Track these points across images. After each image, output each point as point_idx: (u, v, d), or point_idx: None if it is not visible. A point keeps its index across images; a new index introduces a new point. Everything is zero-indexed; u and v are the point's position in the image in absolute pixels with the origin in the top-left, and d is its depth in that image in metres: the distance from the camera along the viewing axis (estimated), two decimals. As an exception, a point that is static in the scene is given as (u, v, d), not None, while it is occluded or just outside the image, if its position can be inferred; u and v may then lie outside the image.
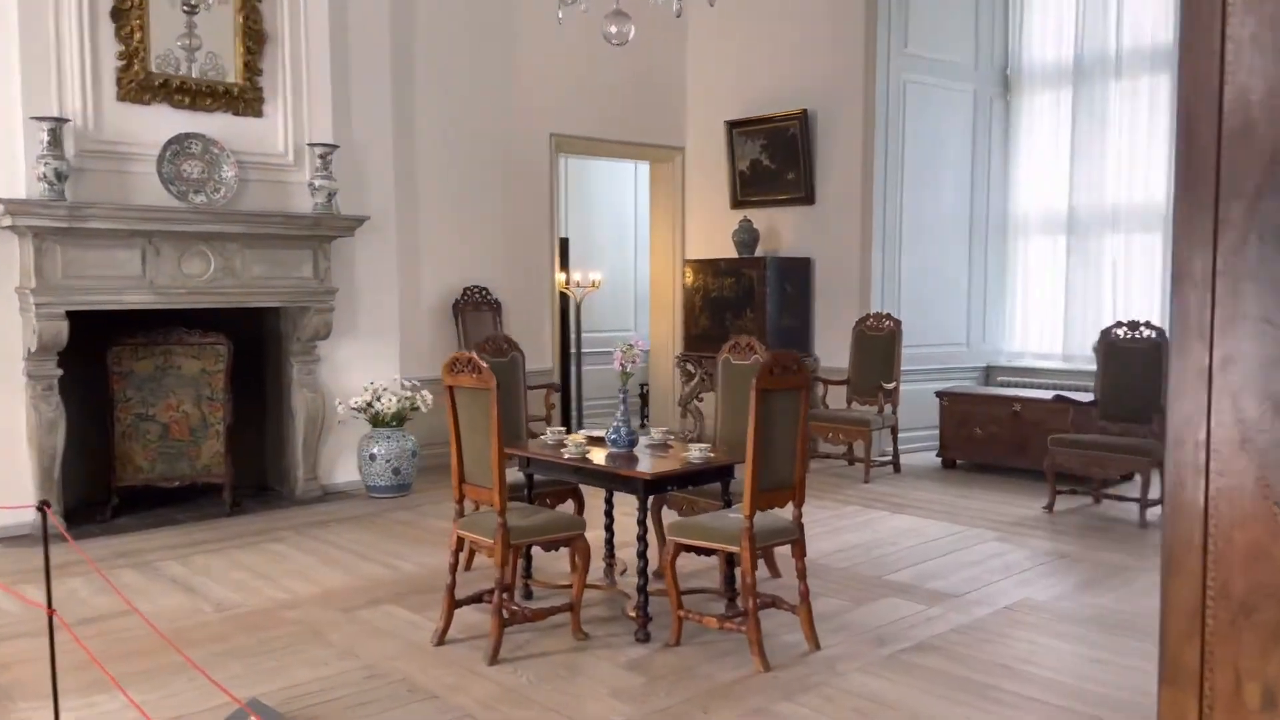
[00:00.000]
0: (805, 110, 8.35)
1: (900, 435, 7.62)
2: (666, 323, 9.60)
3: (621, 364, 4.37)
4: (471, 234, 8.16)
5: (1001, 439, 7.35)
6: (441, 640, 4.05)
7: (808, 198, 8.44)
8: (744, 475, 3.80)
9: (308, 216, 6.47)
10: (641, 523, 4.08)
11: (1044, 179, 8.61)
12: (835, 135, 8.25)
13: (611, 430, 4.40)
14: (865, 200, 8.05)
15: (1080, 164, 8.36)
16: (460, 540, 4.14)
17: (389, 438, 6.80)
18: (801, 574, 3.97)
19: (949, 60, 8.42)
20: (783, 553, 4.54)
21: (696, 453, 4.17)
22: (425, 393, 6.94)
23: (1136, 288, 8.11)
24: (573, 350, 9.64)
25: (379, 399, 6.78)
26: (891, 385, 7.46)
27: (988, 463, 7.47)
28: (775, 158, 8.64)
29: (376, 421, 6.82)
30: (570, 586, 4.68)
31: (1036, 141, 8.67)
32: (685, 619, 4.01)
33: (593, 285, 9.36)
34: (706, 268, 8.64)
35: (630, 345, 4.41)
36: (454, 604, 4.10)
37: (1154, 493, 5.90)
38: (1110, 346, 6.42)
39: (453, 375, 3.97)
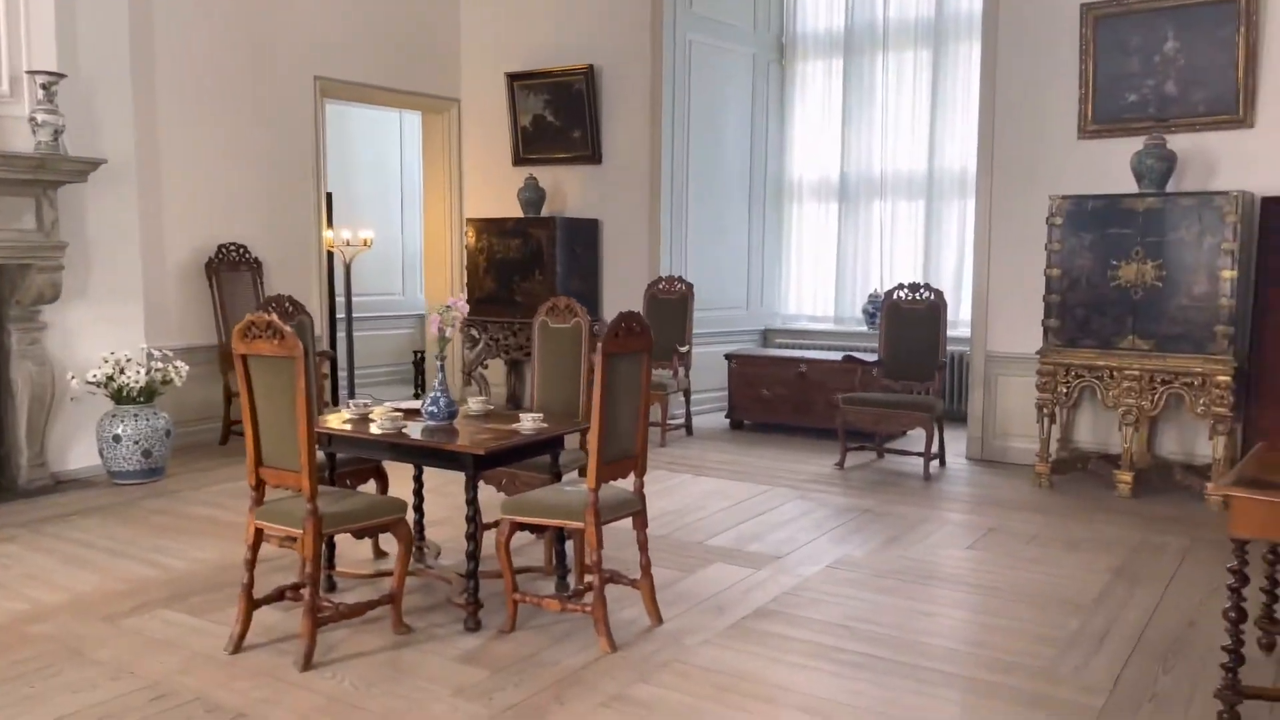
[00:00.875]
0: (591, 65, 8.09)
1: (691, 397, 7.62)
2: (444, 285, 9.09)
3: (440, 328, 3.95)
4: (226, 185, 7.29)
5: (788, 400, 7.52)
6: (238, 647, 3.51)
7: (594, 157, 8.21)
8: (588, 445, 3.53)
9: (29, 157, 5.47)
10: (471, 502, 3.71)
11: (818, 146, 8.87)
12: (622, 93, 8.05)
13: (429, 401, 3.98)
14: (653, 161, 7.93)
15: (851, 132, 8.67)
16: (259, 533, 3.60)
17: (137, 416, 5.94)
18: (644, 546, 3.77)
19: (730, 23, 8.43)
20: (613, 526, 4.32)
21: (529, 423, 3.85)
22: (180, 364, 6.12)
23: (902, 253, 8.54)
24: (341, 315, 8.92)
25: (123, 372, 5.90)
26: (685, 349, 7.43)
27: (774, 423, 7.63)
28: (560, 114, 8.33)
29: (120, 398, 5.93)
30: (378, 576, 4.27)
31: (810, 108, 8.91)
32: (521, 603, 3.71)
33: (364, 244, 8.68)
34: (491, 227, 8.22)
35: (448, 307, 4.00)
36: (252, 604, 3.57)
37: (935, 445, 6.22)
38: (893, 308, 6.68)
39: (247, 342, 3.41)
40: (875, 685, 3.26)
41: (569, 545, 4.12)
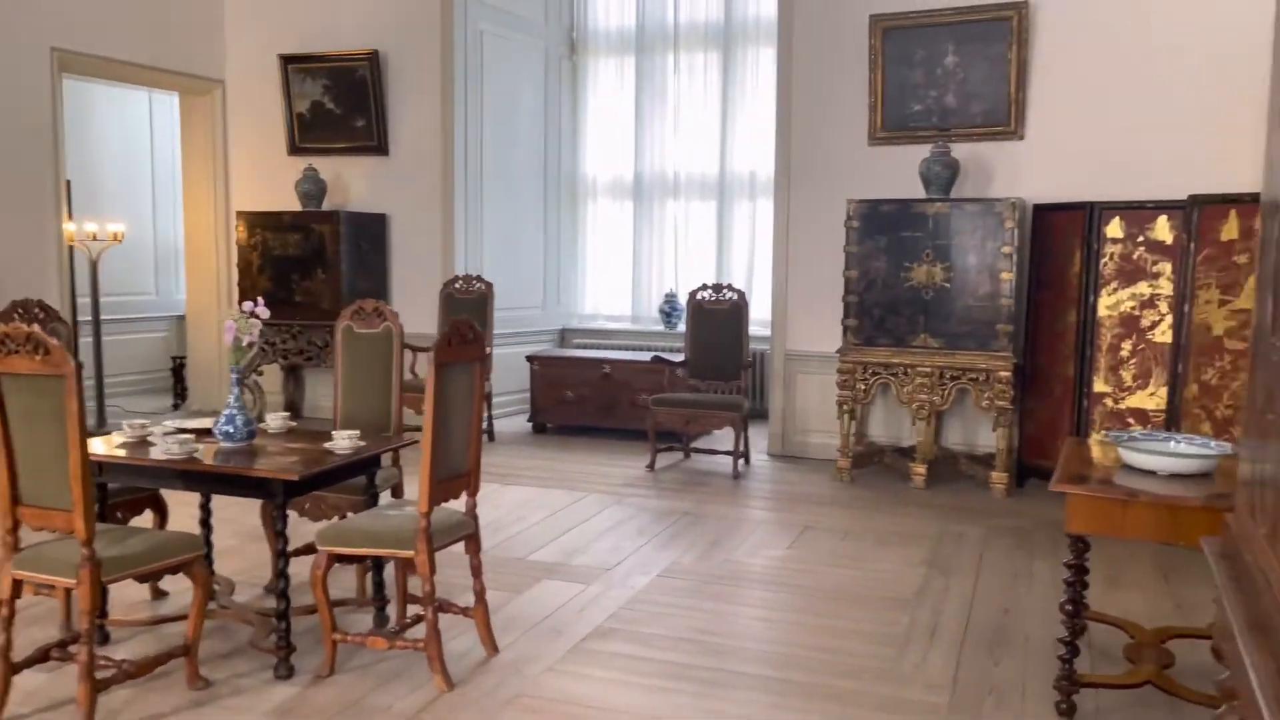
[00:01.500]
0: (376, 51, 7.59)
1: (493, 401, 7.33)
2: (209, 284, 8.27)
3: (236, 336, 3.48)
4: (-58, 168, 6.24)
5: (592, 401, 7.38)
6: (-5, 724, 2.94)
7: (380, 147, 7.72)
8: (417, 464, 3.21)
9: None
10: (281, 533, 3.29)
11: (612, 144, 8.79)
12: (410, 82, 7.61)
13: (224, 420, 3.51)
14: (446, 154, 7.55)
15: (644, 131, 8.65)
16: (16, 585, 3.02)
17: None
18: (478, 571, 3.49)
19: (521, 14, 8.19)
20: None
21: (345, 442, 3.46)
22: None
23: (695, 253, 8.62)
24: (85, 318, 7.90)
25: None
26: (486, 351, 7.11)
27: (579, 425, 7.47)
28: (341, 101, 7.77)
29: None
30: (159, 622, 3.74)
31: (603, 106, 8.81)
32: (341, 643, 3.33)
33: (114, 238, 7.72)
34: (265, 222, 7.54)
35: (245, 314, 3.53)
36: (10, 669, 2.99)
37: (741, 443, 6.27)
38: (697, 308, 6.69)
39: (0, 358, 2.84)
40: (734, 703, 3.15)
41: (387, 573, 3.77)
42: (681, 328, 8.50)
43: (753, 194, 8.31)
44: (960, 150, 6.03)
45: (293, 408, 7.79)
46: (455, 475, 3.36)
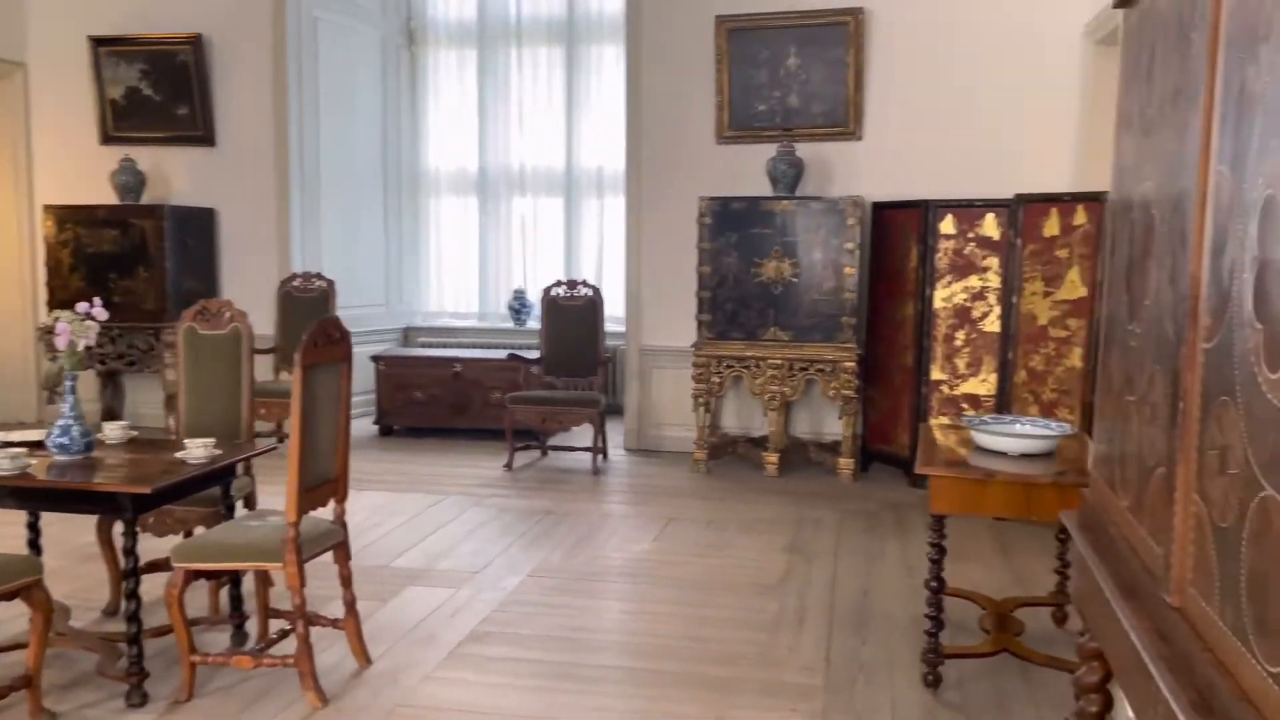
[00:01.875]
0: (199, 35, 7.15)
1: (336, 405, 7.05)
2: (11, 285, 7.58)
3: (71, 340, 3.21)
4: None
5: (442, 401, 7.22)
6: None
7: (206, 138, 7.29)
8: (282, 471, 3.05)
9: None
10: (132, 551, 3.05)
11: (454, 138, 8.62)
12: (239, 69, 7.22)
13: (58, 431, 3.23)
14: (279, 146, 7.20)
15: (488, 126, 8.53)
16: None
17: None
18: (348, 581, 3.35)
19: (358, 2, 7.90)
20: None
21: (200, 451, 3.25)
22: None
23: (544, 249, 8.57)
24: None
25: None
26: (352, 350, 6.84)
27: (429, 427, 7.29)
28: (161, 88, 7.28)
29: None
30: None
31: (445, 99, 8.63)
32: (201, 664, 3.13)
33: (-102, 235, 6.96)
34: (77, 216, 6.98)
35: (81, 316, 3.26)
36: None
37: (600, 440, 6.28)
38: (551, 305, 6.65)
39: None
40: (616, 698, 3.16)
41: (246, 587, 3.57)
42: (532, 324, 8.46)
43: (600, 190, 8.34)
44: (803, 150, 6.25)
45: (112, 416, 7.25)
46: (322, 482, 3.21)
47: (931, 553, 3.22)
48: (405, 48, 8.49)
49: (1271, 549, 1.28)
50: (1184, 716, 1.47)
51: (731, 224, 6.03)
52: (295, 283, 6.99)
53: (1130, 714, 2.66)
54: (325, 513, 3.32)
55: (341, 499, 3.32)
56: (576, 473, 6.25)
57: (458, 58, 8.57)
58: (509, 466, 6.29)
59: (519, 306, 8.47)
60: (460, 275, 8.75)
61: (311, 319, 6.78)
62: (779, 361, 5.98)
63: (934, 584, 3.23)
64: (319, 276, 7.01)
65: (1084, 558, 2.35)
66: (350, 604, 3.35)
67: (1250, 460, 1.35)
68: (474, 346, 8.17)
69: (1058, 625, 3.78)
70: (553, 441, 6.81)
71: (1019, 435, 3.26)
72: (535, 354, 6.78)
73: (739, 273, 6.04)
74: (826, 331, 5.92)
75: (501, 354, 7.55)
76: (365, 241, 8.07)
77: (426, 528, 5.00)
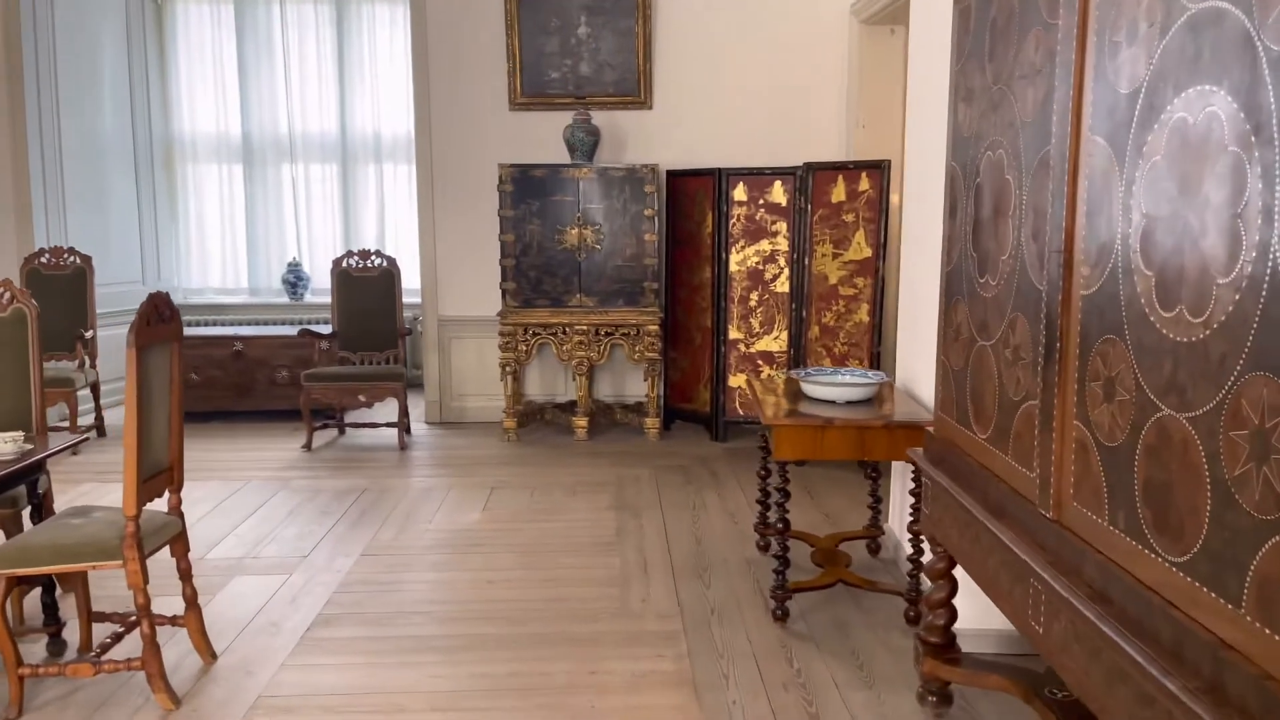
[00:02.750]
0: (-95, -23, 6.21)
1: (101, 391, 6.44)
2: None
3: None
4: None
5: (223, 383, 6.77)
6: None
7: (-79, 96, 6.35)
8: (122, 462, 2.81)
9: None
10: (-61, 563, 2.71)
11: (212, 101, 8.01)
12: (-42, 17, 6.34)
13: None
14: (15, 113, 6.41)
15: (251, 88, 8.00)
16: None
17: None
18: (187, 574, 3.14)
19: (96, -51, 7.14)
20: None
21: (7, 446, 2.92)
22: None
23: (319, 218, 8.18)
24: None
25: None
26: (90, 334, 6.24)
27: (209, 410, 6.81)
28: None
29: None
30: None
31: (199, 59, 7.98)
32: (31, 676, 2.84)
33: None
34: None
35: None
36: None
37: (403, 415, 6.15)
38: (343, 277, 6.40)
39: None
40: (488, 663, 3.18)
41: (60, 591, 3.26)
42: (310, 298, 8.08)
43: (378, 156, 8.05)
44: (597, 118, 6.35)
45: None
46: (158, 471, 2.98)
47: (777, 497, 3.46)
48: (152, 3, 7.77)
49: (1169, 460, 1.53)
50: (1083, 607, 1.72)
51: (533, 191, 6.04)
52: (43, 259, 6.29)
53: (975, 625, 3.01)
54: (160, 504, 3.09)
55: (177, 489, 3.10)
56: (382, 449, 6.09)
57: (211, 13, 7.95)
58: (308, 447, 6.03)
59: (295, 280, 8.05)
60: (227, 249, 8.18)
61: (66, 299, 6.20)
62: (585, 327, 6.09)
63: (780, 525, 3.47)
64: (71, 251, 6.34)
65: (938, 489, 2.63)
66: (191, 599, 3.14)
67: (1144, 387, 1.60)
68: (247, 324, 7.71)
69: (872, 555, 4.16)
70: (351, 419, 6.58)
71: (845, 384, 3.55)
72: (328, 329, 6.51)
73: (542, 240, 6.07)
74: (630, 296, 6.09)
75: (283, 330, 7.19)
76: (118, 215, 7.37)
77: (235, 516, 4.73)
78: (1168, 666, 1.48)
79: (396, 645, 3.31)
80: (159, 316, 2.91)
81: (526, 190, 6.04)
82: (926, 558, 3.47)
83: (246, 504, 4.91)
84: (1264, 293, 1.29)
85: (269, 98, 8.02)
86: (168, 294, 3.03)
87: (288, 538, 4.41)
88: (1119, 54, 1.70)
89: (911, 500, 3.42)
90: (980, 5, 2.44)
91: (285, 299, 8.09)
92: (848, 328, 5.48)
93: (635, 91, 6.48)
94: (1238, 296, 1.34)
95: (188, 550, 3.15)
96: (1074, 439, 1.86)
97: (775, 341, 5.94)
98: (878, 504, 4.10)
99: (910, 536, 3.43)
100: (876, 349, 5.40)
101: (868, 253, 5.38)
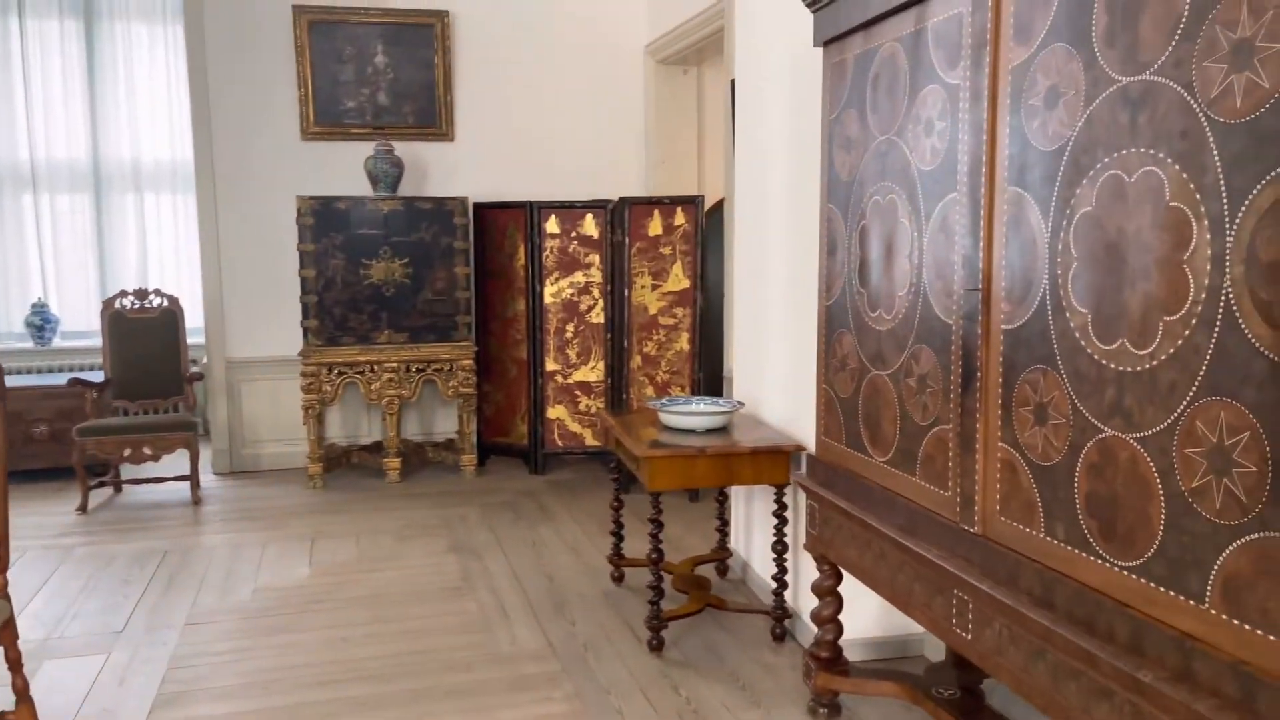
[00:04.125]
0: None
1: None
2: None
3: None
4: None
5: (-32, 441, 5.93)
6: None
7: None
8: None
9: None
10: None
11: (-65, 121, 7.05)
12: None
13: None
14: None
15: (-16, 108, 7.11)
16: None
17: None
18: (18, 664, 2.75)
19: None
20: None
21: None
22: None
23: (68, 254, 7.38)
24: None
25: None
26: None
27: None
28: None
29: None
30: None
31: (-83, 73, 7.01)
32: None
33: None
34: None
35: None
36: None
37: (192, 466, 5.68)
38: (117, 320, 5.81)
39: None
40: (372, 728, 3.01)
41: None
42: (59, 342, 7.28)
43: (138, 186, 7.39)
44: (398, 149, 6.18)
45: None
46: (-16, 551, 2.60)
47: (652, 528, 3.52)
48: None
49: (1113, 476, 1.73)
50: (1029, 612, 1.90)
51: (336, 224, 5.78)
52: None
53: (864, 636, 3.19)
54: (-21, 590, 2.69)
55: (3, 568, 2.71)
56: (172, 505, 5.57)
57: (-69, 22, 7.02)
58: (83, 509, 5.41)
59: (41, 323, 7.21)
60: (-44, 288, 7.20)
61: None
62: (396, 364, 5.88)
63: (655, 555, 3.53)
64: None
65: (829, 510, 2.79)
66: (23, 690, 2.75)
67: (1082, 411, 1.79)
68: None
69: (720, 577, 4.31)
70: (129, 474, 5.98)
71: (706, 413, 3.67)
72: (97, 376, 5.89)
73: (347, 275, 5.82)
74: (442, 331, 5.96)
75: (37, 379, 6.44)
76: None
77: (21, 593, 4.17)
78: (1128, 660, 1.66)
79: (269, 717, 3.06)
80: (-17, 375, 2.55)
81: (329, 223, 5.77)
82: (793, 576, 3.65)
83: (30, 579, 4.35)
84: (1217, 328, 1.50)
85: (6, 122, 7.16)
86: (-10, 349, 2.66)
87: (92, 612, 3.95)
88: (1037, 116, 1.91)
89: (775, 522, 3.59)
90: (859, 60, 2.64)
91: (29, 344, 7.23)
92: (669, 356, 5.64)
93: (436, 123, 6.37)
94: (1188, 332, 1.55)
95: (17, 637, 2.76)
96: (999, 459, 2.05)
97: (593, 372, 6.02)
98: (725, 527, 4.25)
99: (774, 556, 3.59)
100: (698, 375, 5.59)
101: (686, 284, 5.58)
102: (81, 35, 7.25)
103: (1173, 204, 1.57)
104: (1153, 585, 1.65)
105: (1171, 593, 1.61)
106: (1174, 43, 1.56)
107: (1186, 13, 1.54)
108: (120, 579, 4.35)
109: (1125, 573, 1.71)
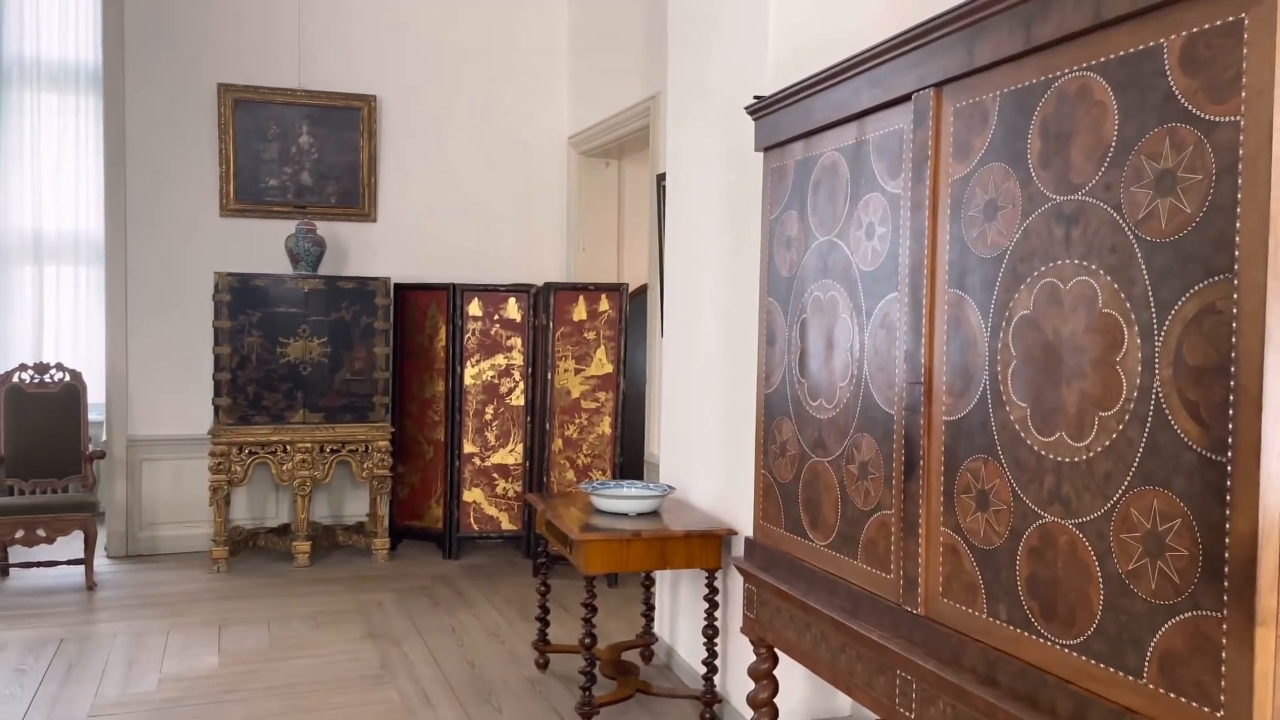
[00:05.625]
0: None
1: None
2: None
3: None
4: None
5: None
6: None
7: None
8: None
9: None
10: None
11: None
12: None
13: None
14: None
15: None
16: None
17: None
18: (-83, 765, 2.58)
19: None
20: None
21: None
22: None
23: (-41, 323, 7.05)
24: None
25: None
26: None
27: None
28: None
29: None
30: None
31: None
32: None
33: None
34: None
35: None
36: None
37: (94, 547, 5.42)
38: (14, 394, 5.57)
39: None
40: (299, 823, 2.89)
41: None
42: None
43: (38, 257, 7.15)
44: (320, 228, 6.17)
45: None
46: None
47: (585, 612, 3.53)
48: None
49: (1053, 559, 1.87)
50: (973, 689, 2.01)
51: (253, 302, 5.70)
52: None
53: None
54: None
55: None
56: (64, 590, 5.29)
57: None
58: (-33, 594, 5.10)
59: (-77, 394, 6.83)
60: None
61: None
62: (309, 445, 5.77)
63: (588, 639, 3.53)
64: None
65: (768, 593, 2.88)
66: (-80, 795, 2.57)
67: (1022, 498, 1.94)
68: None
69: (645, 662, 4.31)
70: (16, 557, 5.65)
71: (638, 497, 3.73)
72: (-10, 453, 5.60)
73: (263, 352, 5.72)
74: (359, 411, 5.89)
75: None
76: None
77: (-101, 686, 3.89)
78: (1072, 733, 1.77)
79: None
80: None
81: (246, 300, 5.69)
82: (723, 660, 3.70)
83: (-92, 670, 4.06)
84: (1149, 424, 1.66)
85: (-103, 183, 6.87)
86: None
87: (-18, 707, 3.71)
88: (976, 226, 2.09)
89: (705, 606, 3.64)
90: (799, 167, 2.82)
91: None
92: (591, 440, 5.69)
93: (359, 203, 6.39)
94: (1121, 426, 1.71)
95: (-85, 734, 2.59)
96: (942, 543, 2.18)
97: (511, 454, 6.02)
98: (650, 612, 4.28)
99: (704, 640, 3.63)
100: (619, 460, 5.65)
101: (609, 368, 5.68)
102: (-15, 101, 7.06)
103: (1105, 310, 1.75)
104: (1093, 662, 1.77)
105: (1111, 669, 1.74)
106: (1103, 169, 1.76)
107: (1114, 144, 1.74)
108: (13, 668, 4.10)
109: (1067, 650, 1.83)
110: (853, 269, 2.54)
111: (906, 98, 2.31)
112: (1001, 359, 2.00)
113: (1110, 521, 1.74)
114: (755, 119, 3.05)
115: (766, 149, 3.00)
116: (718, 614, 3.66)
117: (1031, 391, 1.92)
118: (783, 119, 2.88)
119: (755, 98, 3.06)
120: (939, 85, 2.21)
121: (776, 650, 2.97)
